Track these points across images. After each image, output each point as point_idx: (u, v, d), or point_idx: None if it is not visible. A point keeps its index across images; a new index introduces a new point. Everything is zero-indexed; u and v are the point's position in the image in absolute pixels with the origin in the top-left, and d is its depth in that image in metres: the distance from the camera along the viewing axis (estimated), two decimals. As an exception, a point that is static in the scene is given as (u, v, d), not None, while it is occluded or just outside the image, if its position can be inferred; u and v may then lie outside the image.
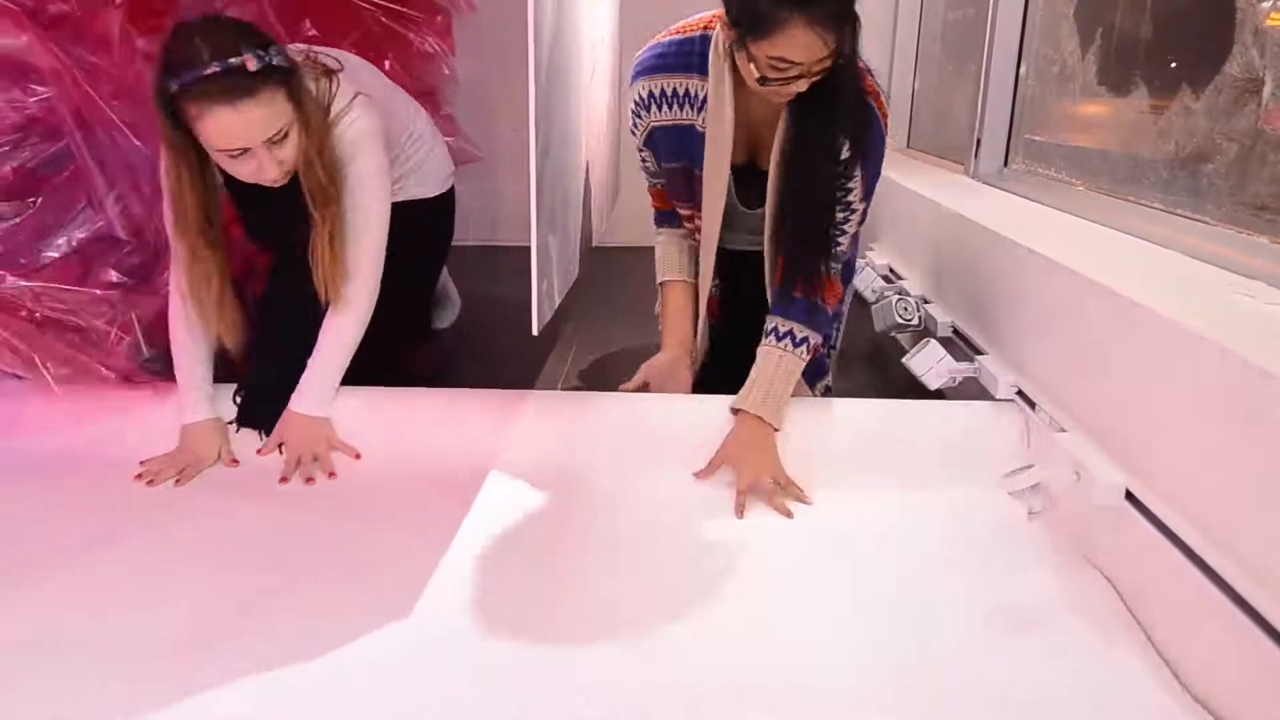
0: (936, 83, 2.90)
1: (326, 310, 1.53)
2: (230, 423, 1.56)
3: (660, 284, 1.69)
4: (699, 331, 1.65)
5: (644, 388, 1.60)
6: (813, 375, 1.65)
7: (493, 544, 1.30)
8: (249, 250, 1.78)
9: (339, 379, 1.54)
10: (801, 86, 1.28)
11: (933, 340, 1.63)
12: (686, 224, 1.64)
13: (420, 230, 1.79)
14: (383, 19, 2.48)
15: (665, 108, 1.47)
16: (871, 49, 2.99)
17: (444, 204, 1.90)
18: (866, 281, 2.12)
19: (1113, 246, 1.53)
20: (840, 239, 1.49)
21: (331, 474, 1.49)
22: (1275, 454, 0.92)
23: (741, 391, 1.48)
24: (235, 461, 1.52)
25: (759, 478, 1.42)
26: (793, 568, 1.25)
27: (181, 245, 1.44)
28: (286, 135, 1.36)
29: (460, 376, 2.04)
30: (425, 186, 1.82)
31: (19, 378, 1.54)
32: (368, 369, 1.58)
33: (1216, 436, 1.02)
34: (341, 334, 1.53)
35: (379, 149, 1.51)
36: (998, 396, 1.55)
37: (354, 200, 1.49)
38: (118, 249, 1.69)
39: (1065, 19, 1.98)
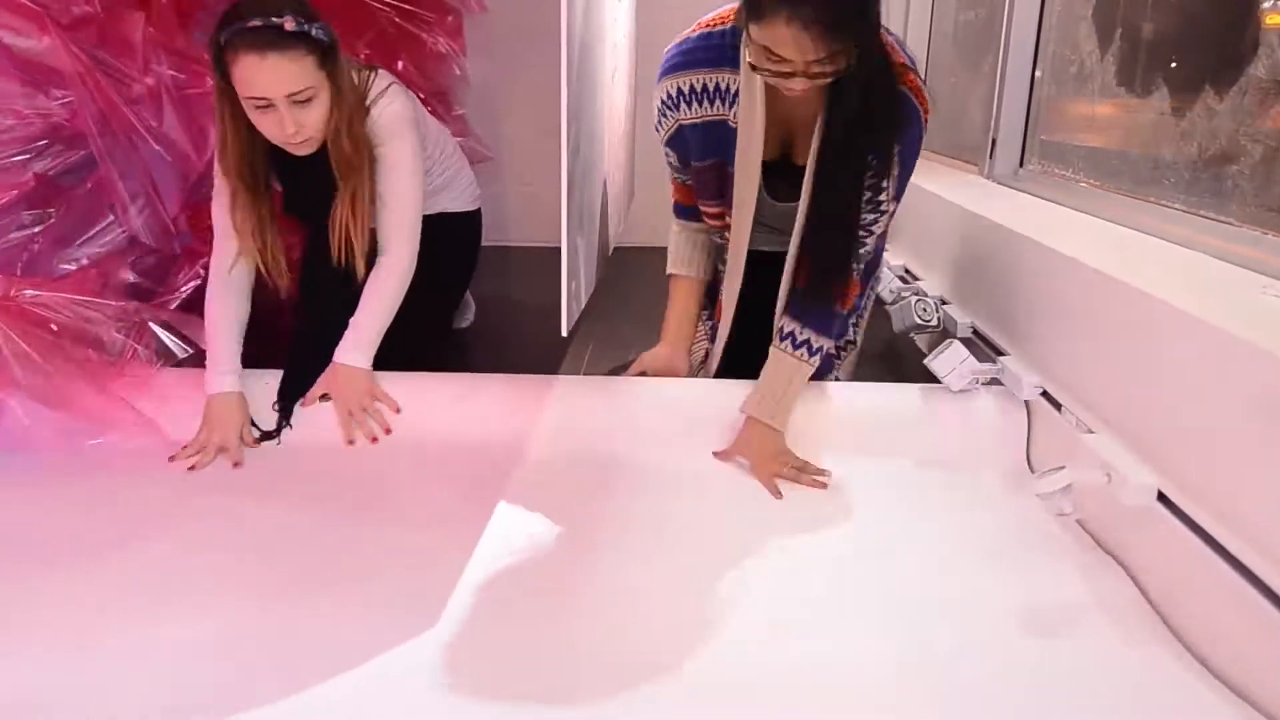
0: (948, 83, 2.90)
1: (358, 283, 1.62)
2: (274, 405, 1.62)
3: (669, 275, 1.71)
4: (722, 324, 1.63)
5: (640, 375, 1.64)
6: (819, 374, 1.63)
7: (524, 521, 1.35)
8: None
9: (381, 334, 1.62)
10: (798, 85, 1.26)
11: (956, 341, 1.63)
12: (712, 222, 1.62)
13: (450, 240, 1.93)
14: (397, 19, 2.49)
15: (695, 104, 1.45)
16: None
17: (473, 220, 2.07)
18: (884, 282, 2.12)
19: (1135, 247, 1.54)
20: (867, 240, 1.50)
21: (387, 430, 1.58)
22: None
23: (753, 395, 1.51)
24: (256, 442, 1.58)
25: (776, 472, 1.46)
26: (816, 553, 1.28)
27: (224, 183, 1.56)
28: (311, 100, 1.46)
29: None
30: (456, 202, 1.98)
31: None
32: (392, 365, 1.65)
33: (1251, 436, 1.02)
34: (384, 292, 1.62)
35: (412, 129, 1.62)
36: (1022, 397, 1.55)
37: (391, 174, 1.60)
38: (135, 249, 1.69)
39: (1084, 20, 1.98)
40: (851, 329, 1.79)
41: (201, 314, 1.62)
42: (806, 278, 1.48)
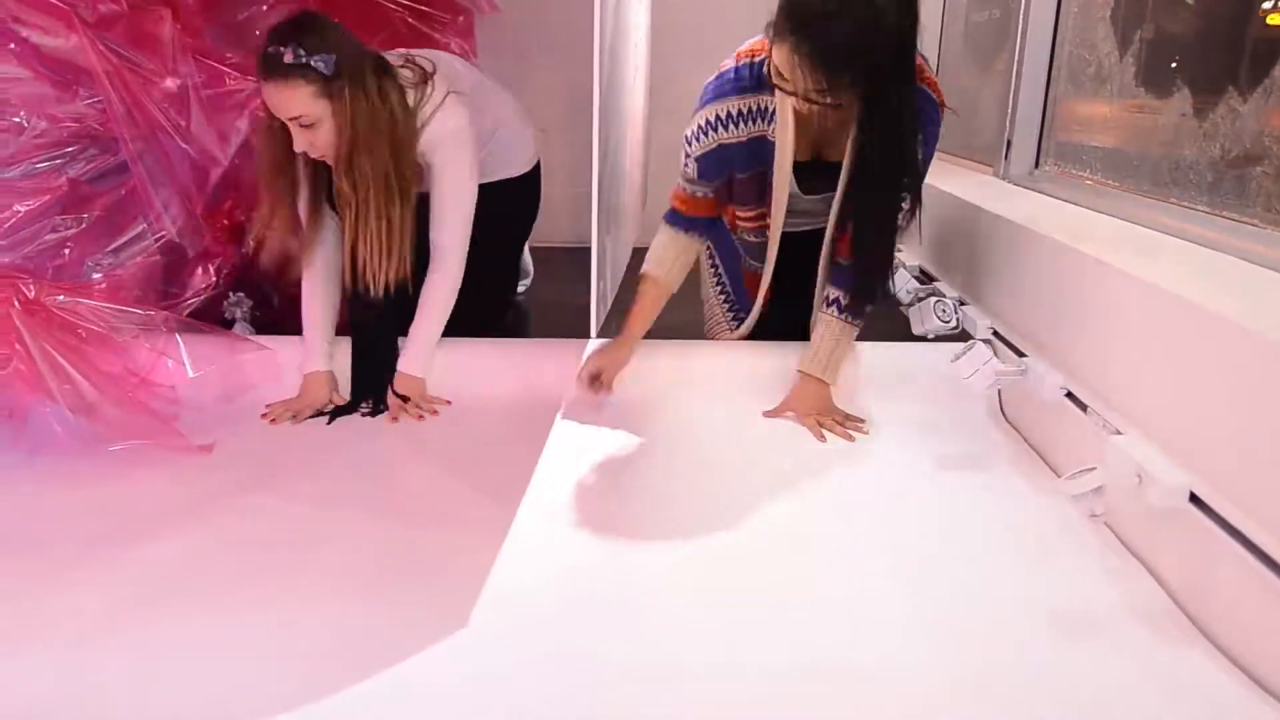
0: (960, 84, 2.91)
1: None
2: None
3: (642, 273, 1.78)
4: (759, 300, 1.87)
5: (596, 374, 1.75)
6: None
7: (572, 469, 1.48)
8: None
9: (435, 341, 1.80)
10: (802, 106, 1.45)
11: (979, 342, 1.64)
12: (747, 224, 1.82)
13: (508, 206, 2.05)
14: (409, 20, 2.49)
15: (738, 125, 1.62)
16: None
17: (530, 180, 2.15)
18: (900, 283, 2.13)
19: (1158, 247, 1.54)
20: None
21: (434, 412, 1.77)
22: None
23: (807, 355, 1.74)
24: (448, 401, 1.80)
25: (821, 420, 1.67)
26: (842, 545, 1.32)
27: (262, 188, 1.69)
28: (314, 125, 1.58)
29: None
30: (512, 167, 2.07)
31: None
32: (470, 325, 1.85)
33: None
34: (435, 303, 1.79)
35: (466, 144, 1.74)
36: (1045, 398, 1.56)
37: (443, 186, 1.74)
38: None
39: (1102, 21, 1.98)
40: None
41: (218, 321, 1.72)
42: (850, 255, 1.67)
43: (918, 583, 1.22)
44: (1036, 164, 2.27)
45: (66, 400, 1.38)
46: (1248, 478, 1.10)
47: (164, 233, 1.56)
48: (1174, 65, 1.75)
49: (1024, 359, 1.65)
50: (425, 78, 1.73)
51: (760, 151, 1.64)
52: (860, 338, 1.84)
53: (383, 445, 1.65)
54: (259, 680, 1.01)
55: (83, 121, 1.47)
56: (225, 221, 2.02)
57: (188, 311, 1.77)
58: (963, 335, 1.91)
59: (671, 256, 1.77)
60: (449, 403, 1.80)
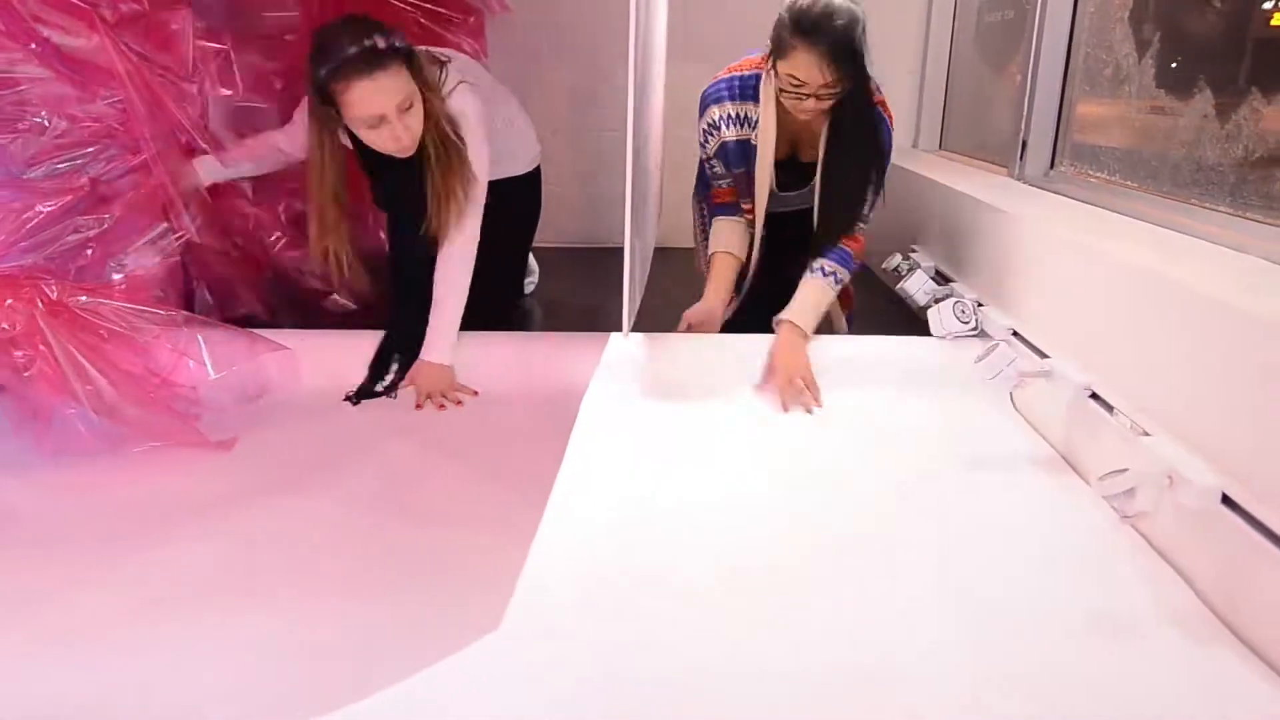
0: (973, 85, 2.90)
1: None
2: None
3: (713, 254, 2.05)
4: (745, 282, 2.11)
5: (688, 330, 1.95)
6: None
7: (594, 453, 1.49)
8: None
9: (456, 324, 1.82)
10: (810, 105, 1.74)
11: (1002, 343, 1.63)
12: (746, 215, 2.04)
13: (514, 203, 2.11)
14: (421, 20, 2.49)
15: (734, 127, 1.93)
16: (904, 51, 3.01)
17: (533, 179, 2.22)
18: (918, 285, 2.12)
19: (1180, 248, 1.54)
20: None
21: (458, 402, 1.79)
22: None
23: (788, 307, 1.90)
24: (475, 392, 1.83)
25: (792, 378, 1.78)
26: (872, 544, 1.31)
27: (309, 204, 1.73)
28: (412, 105, 1.62)
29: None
30: (517, 164, 2.12)
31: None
32: (478, 323, 1.88)
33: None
34: (452, 284, 1.81)
35: (479, 123, 1.78)
36: (1070, 399, 1.55)
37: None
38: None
39: (1120, 22, 1.98)
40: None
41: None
42: (827, 231, 1.93)
43: (949, 584, 1.22)
44: (1052, 164, 2.27)
45: (90, 402, 1.37)
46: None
47: (184, 232, 1.55)
48: (1195, 66, 1.75)
49: (1047, 359, 1.65)
50: (439, 63, 1.77)
51: (746, 153, 1.94)
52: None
53: (404, 443, 1.63)
54: (289, 681, 1.00)
55: (103, 121, 1.46)
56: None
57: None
58: (981, 336, 1.90)
59: (729, 235, 2.04)
60: (475, 393, 1.82)
